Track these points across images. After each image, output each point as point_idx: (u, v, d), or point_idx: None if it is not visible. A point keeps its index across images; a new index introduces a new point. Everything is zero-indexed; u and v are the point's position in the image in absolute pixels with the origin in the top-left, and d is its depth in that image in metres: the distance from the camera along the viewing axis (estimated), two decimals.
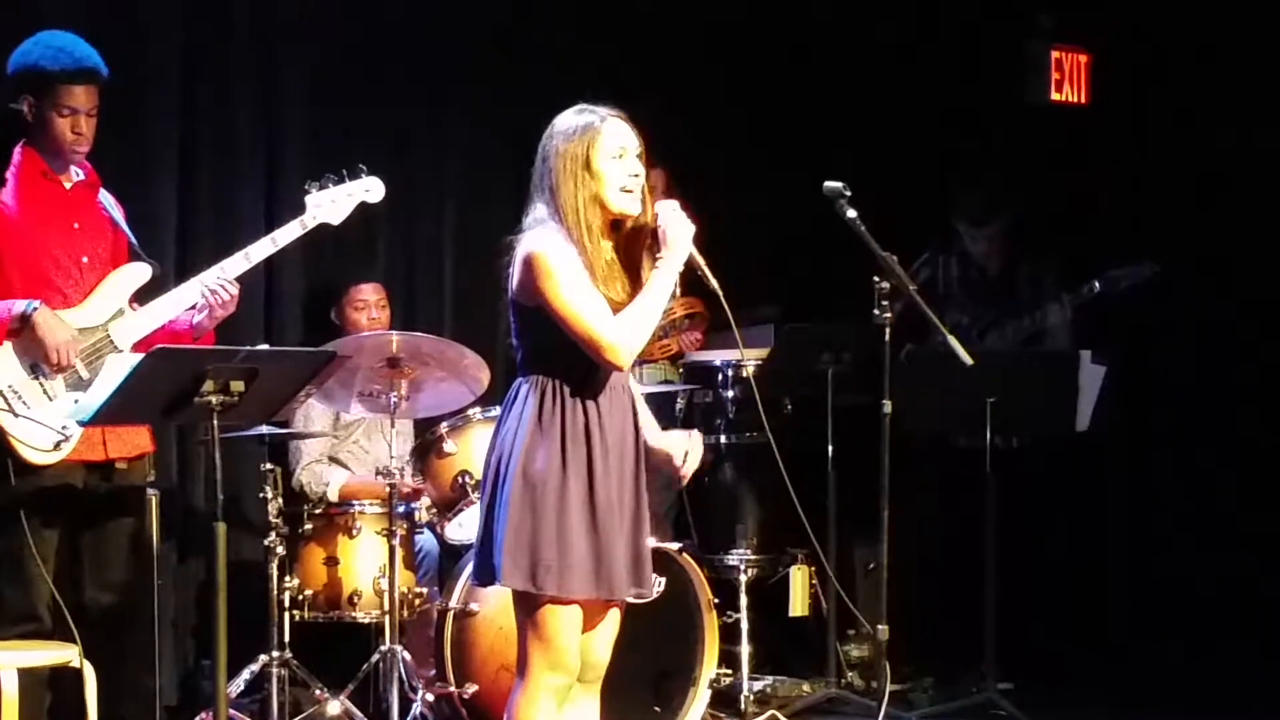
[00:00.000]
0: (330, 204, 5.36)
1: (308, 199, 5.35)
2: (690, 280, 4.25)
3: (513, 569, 4.05)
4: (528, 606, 4.12)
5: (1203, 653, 7.14)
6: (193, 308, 5.12)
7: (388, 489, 5.77)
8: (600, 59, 7.17)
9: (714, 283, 4.23)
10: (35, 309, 4.85)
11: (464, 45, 7.20)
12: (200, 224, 6.50)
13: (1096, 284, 6.83)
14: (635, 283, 4.18)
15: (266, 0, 6.72)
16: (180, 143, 6.47)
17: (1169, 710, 6.68)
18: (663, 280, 4.14)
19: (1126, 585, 7.60)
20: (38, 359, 4.88)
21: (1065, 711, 6.57)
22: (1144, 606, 7.50)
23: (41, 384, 4.90)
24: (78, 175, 5.12)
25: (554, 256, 4.05)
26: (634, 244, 4.20)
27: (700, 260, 4.21)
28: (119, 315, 5.05)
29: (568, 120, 4.18)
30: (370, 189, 5.46)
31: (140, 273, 5.14)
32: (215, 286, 5.09)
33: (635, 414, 4.23)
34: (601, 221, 4.14)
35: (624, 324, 4.09)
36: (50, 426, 4.84)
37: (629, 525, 4.15)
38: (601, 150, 4.12)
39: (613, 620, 4.25)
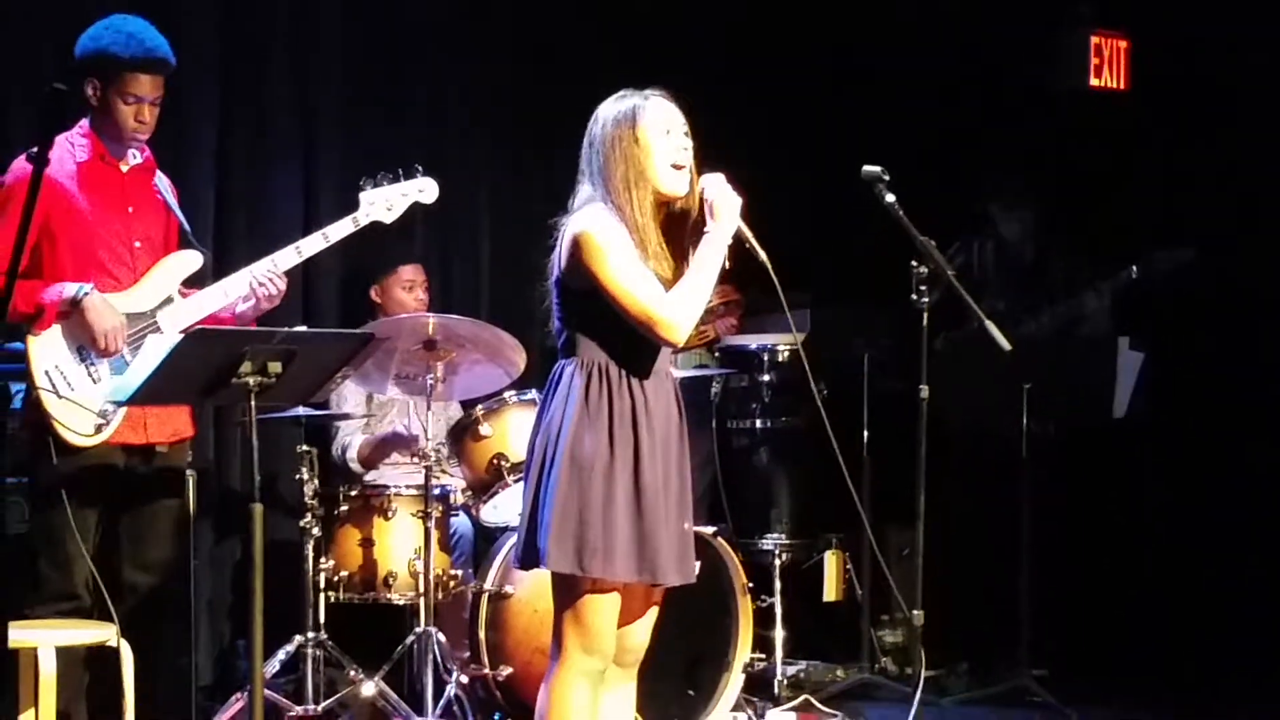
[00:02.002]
0: (384, 202, 5.36)
1: (362, 195, 5.35)
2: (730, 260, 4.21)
3: (558, 552, 4.04)
4: (569, 589, 4.11)
5: (1238, 642, 7.11)
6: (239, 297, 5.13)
7: (419, 465, 5.80)
8: (630, 46, 7.16)
9: (762, 255, 4.19)
10: (86, 293, 4.86)
11: (499, 32, 7.21)
12: (236, 220, 6.50)
13: (1134, 270, 6.80)
14: (681, 266, 4.14)
15: None
16: (218, 138, 6.47)
17: (1203, 698, 6.66)
18: (712, 252, 4.11)
19: (1162, 572, 7.56)
20: (84, 343, 4.90)
21: (1099, 698, 6.55)
22: (1179, 594, 7.46)
23: (87, 368, 4.91)
24: (135, 159, 5.11)
25: (604, 235, 4.04)
26: (679, 227, 4.18)
27: (748, 232, 4.18)
28: (168, 302, 5.06)
29: (612, 105, 4.17)
30: (424, 189, 5.46)
31: (191, 260, 5.14)
32: (264, 279, 5.10)
33: (679, 399, 4.22)
34: (652, 200, 4.13)
35: (677, 299, 4.07)
36: (90, 410, 4.85)
37: (674, 510, 4.13)
38: (648, 127, 4.11)
39: (654, 605, 4.24)
